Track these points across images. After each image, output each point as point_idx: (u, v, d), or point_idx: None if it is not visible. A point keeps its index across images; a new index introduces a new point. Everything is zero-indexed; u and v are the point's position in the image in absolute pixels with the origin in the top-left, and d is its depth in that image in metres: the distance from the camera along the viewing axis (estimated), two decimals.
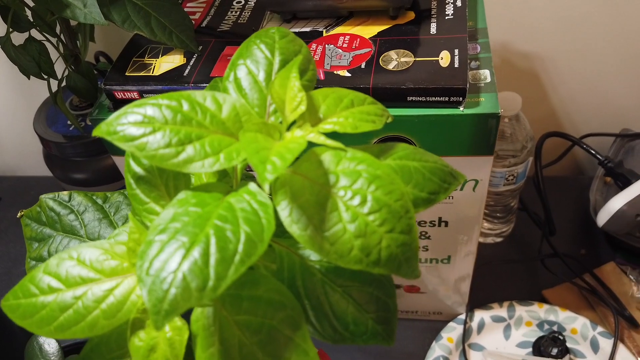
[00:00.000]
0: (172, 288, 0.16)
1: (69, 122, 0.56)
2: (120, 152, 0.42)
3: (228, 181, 0.23)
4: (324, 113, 0.21)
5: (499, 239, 0.62)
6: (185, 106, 0.19)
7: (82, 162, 0.55)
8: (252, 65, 0.23)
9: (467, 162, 0.39)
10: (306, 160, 0.19)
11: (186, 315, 0.20)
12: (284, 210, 0.18)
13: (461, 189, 0.42)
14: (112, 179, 0.56)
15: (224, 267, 0.16)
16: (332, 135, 0.25)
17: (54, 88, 0.59)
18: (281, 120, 0.21)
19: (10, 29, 0.48)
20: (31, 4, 0.48)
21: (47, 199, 0.29)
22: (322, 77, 0.38)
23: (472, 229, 0.45)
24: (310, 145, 0.20)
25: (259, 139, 0.18)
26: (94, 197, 0.29)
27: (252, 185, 0.19)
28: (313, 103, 0.21)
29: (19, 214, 0.31)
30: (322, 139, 0.19)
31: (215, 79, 0.26)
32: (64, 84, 0.52)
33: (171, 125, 0.19)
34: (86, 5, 0.41)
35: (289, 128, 0.21)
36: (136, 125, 0.19)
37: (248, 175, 0.28)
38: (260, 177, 0.17)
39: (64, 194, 0.29)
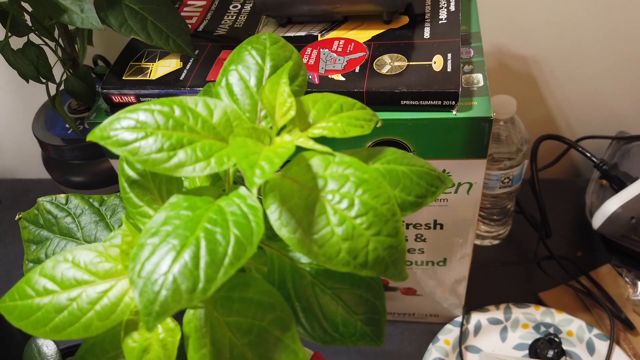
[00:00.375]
0: (162, 290, 0.16)
1: (67, 126, 0.57)
2: (117, 156, 0.43)
3: (221, 184, 0.24)
4: (313, 118, 0.21)
5: (495, 242, 0.63)
6: (177, 111, 0.20)
7: (80, 165, 0.55)
8: (243, 71, 0.23)
9: (461, 165, 0.40)
10: (295, 165, 0.20)
11: (179, 317, 0.21)
12: (274, 214, 0.19)
13: (455, 192, 0.42)
14: (110, 182, 0.56)
15: (213, 269, 0.17)
16: (326, 140, 0.25)
17: (53, 91, 0.59)
18: (271, 125, 0.21)
19: (9, 34, 0.48)
20: (29, 9, 0.48)
21: (44, 201, 0.29)
22: (316, 81, 0.38)
23: (467, 232, 0.45)
24: (300, 149, 0.20)
25: (248, 144, 0.19)
26: (91, 200, 0.30)
27: (242, 189, 0.19)
28: (303, 108, 0.21)
29: (17, 217, 0.31)
30: (311, 144, 0.20)
31: (209, 83, 0.27)
32: (62, 87, 0.52)
33: (163, 130, 0.19)
34: (83, 10, 0.42)
35: (278, 133, 0.21)
36: (129, 130, 0.19)
37: (242, 178, 0.28)
38: (249, 182, 0.17)
39: (61, 197, 0.29)
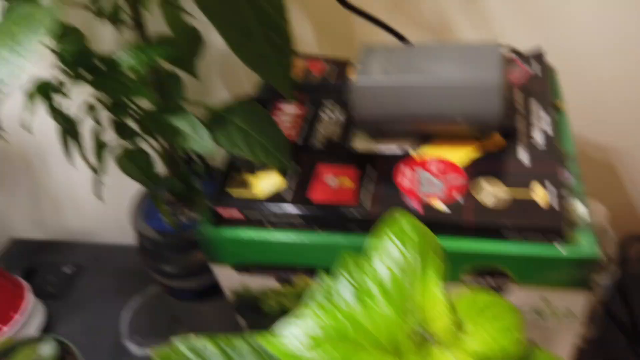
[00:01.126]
0: None
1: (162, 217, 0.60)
2: (219, 261, 0.45)
3: None
4: (462, 318, 0.23)
5: (582, 345, 0.61)
6: (343, 321, 0.21)
7: (173, 256, 0.58)
8: (388, 260, 0.25)
9: (564, 294, 0.40)
10: None
11: None
12: None
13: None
14: (200, 272, 0.59)
15: None
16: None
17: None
18: (423, 329, 0.22)
19: (120, 139, 0.52)
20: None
21: (180, 344, 0.32)
22: (421, 211, 0.39)
23: (564, 353, 0.45)
24: None
25: None
26: (221, 345, 0.31)
27: None
28: (453, 310, 0.23)
29: (149, 352, 0.33)
30: None
31: (345, 258, 0.28)
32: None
33: (329, 343, 0.21)
34: (198, 134, 0.45)
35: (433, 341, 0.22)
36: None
37: None
38: None
39: (198, 343, 0.31)
